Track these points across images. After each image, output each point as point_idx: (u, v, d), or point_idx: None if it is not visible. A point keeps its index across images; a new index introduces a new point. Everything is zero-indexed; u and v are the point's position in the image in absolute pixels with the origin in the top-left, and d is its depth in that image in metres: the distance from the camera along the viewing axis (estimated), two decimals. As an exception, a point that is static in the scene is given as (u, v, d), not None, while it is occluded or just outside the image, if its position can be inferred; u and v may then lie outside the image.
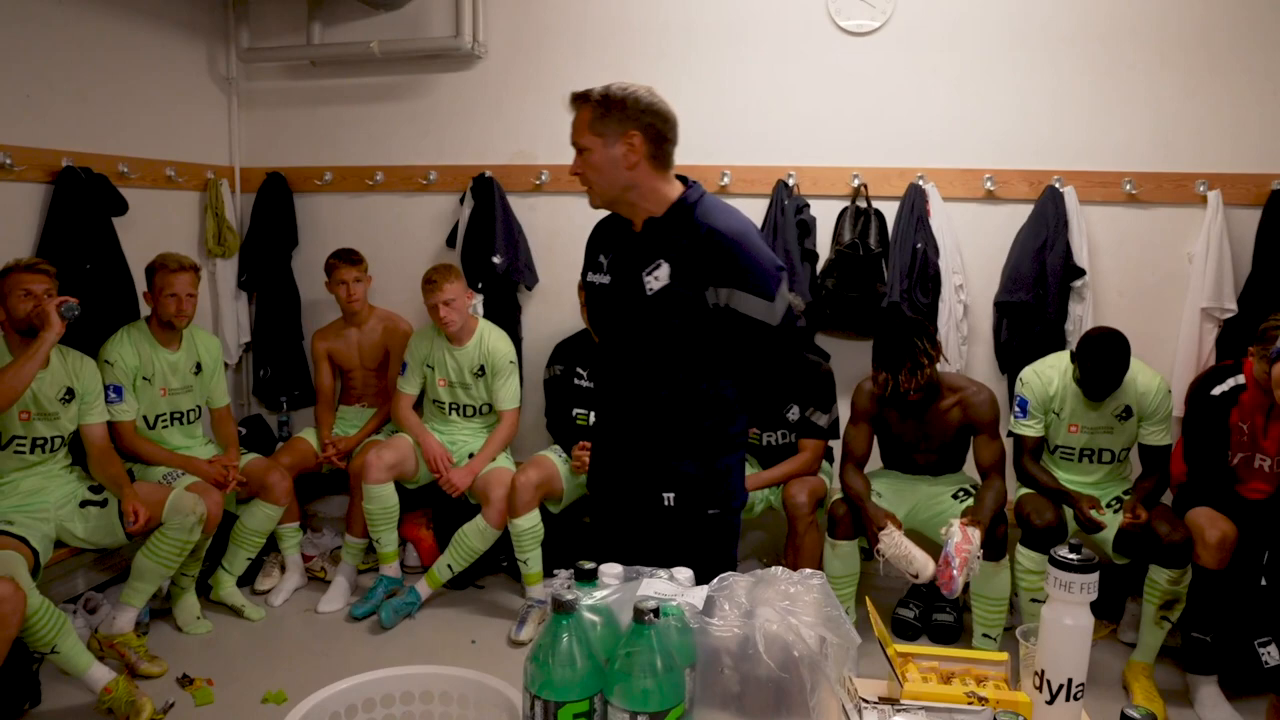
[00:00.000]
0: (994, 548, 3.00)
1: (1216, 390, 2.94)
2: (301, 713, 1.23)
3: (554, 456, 3.56)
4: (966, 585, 2.89)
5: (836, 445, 3.43)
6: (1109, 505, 3.09)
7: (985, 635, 3.10)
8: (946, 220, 3.56)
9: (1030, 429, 3.15)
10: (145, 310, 3.38)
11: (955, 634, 3.34)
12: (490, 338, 3.66)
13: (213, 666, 3.05)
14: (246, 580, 3.64)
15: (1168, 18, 3.40)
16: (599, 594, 1.17)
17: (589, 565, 1.24)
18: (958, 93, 3.59)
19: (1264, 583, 2.79)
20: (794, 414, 3.40)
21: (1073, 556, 1.34)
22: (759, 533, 3.95)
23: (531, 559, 3.43)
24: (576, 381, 3.64)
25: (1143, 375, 3.05)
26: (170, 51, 3.98)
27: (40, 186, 3.33)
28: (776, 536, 3.83)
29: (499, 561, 3.77)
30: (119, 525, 2.97)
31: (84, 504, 2.98)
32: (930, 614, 3.41)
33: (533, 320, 4.07)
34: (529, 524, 3.40)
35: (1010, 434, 3.21)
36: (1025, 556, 3.03)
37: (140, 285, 3.39)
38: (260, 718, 2.80)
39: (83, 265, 3.31)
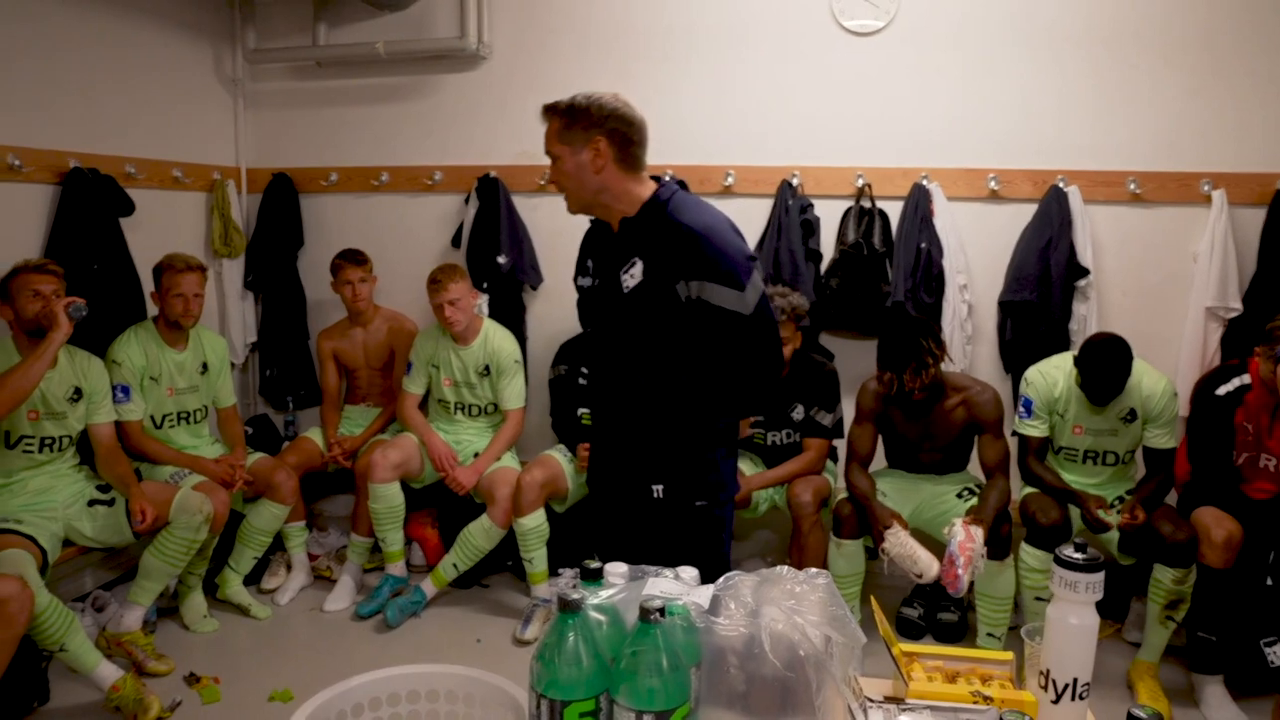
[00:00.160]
0: (999, 547, 3.00)
1: (1222, 390, 2.94)
2: (308, 711, 1.24)
3: (559, 456, 3.57)
4: (971, 584, 2.89)
5: (841, 445, 3.43)
6: (1112, 505, 3.08)
7: (990, 634, 3.10)
8: (951, 220, 3.56)
9: (1034, 429, 3.15)
10: (152, 310, 3.39)
11: (960, 633, 3.34)
12: (495, 337, 3.67)
13: (219, 665, 3.06)
14: (253, 579, 3.65)
15: (1172, 17, 3.40)
16: (605, 593, 1.18)
17: (595, 564, 1.24)
18: (962, 92, 3.59)
19: (1270, 582, 2.79)
20: (798, 413, 3.41)
21: (1078, 556, 1.35)
22: (763, 532, 3.96)
23: (536, 558, 3.44)
24: (581, 381, 3.65)
25: (1148, 378, 3.04)
26: (177, 53, 3.99)
27: (48, 188, 3.34)
28: (781, 536, 3.84)
29: (504, 561, 3.77)
30: (126, 524, 2.98)
31: (92, 503, 2.99)
32: (934, 613, 3.41)
33: (537, 320, 4.08)
34: (534, 523, 3.41)
35: (1014, 434, 3.21)
36: (1030, 555, 3.03)
37: (147, 285, 3.40)
38: (266, 716, 2.81)
39: (90, 266, 3.32)
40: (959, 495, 3.19)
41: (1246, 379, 2.93)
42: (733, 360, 1.94)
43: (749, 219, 3.71)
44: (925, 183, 3.57)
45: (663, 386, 1.98)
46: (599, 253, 2.09)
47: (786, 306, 3.20)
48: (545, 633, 1.10)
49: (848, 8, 3.63)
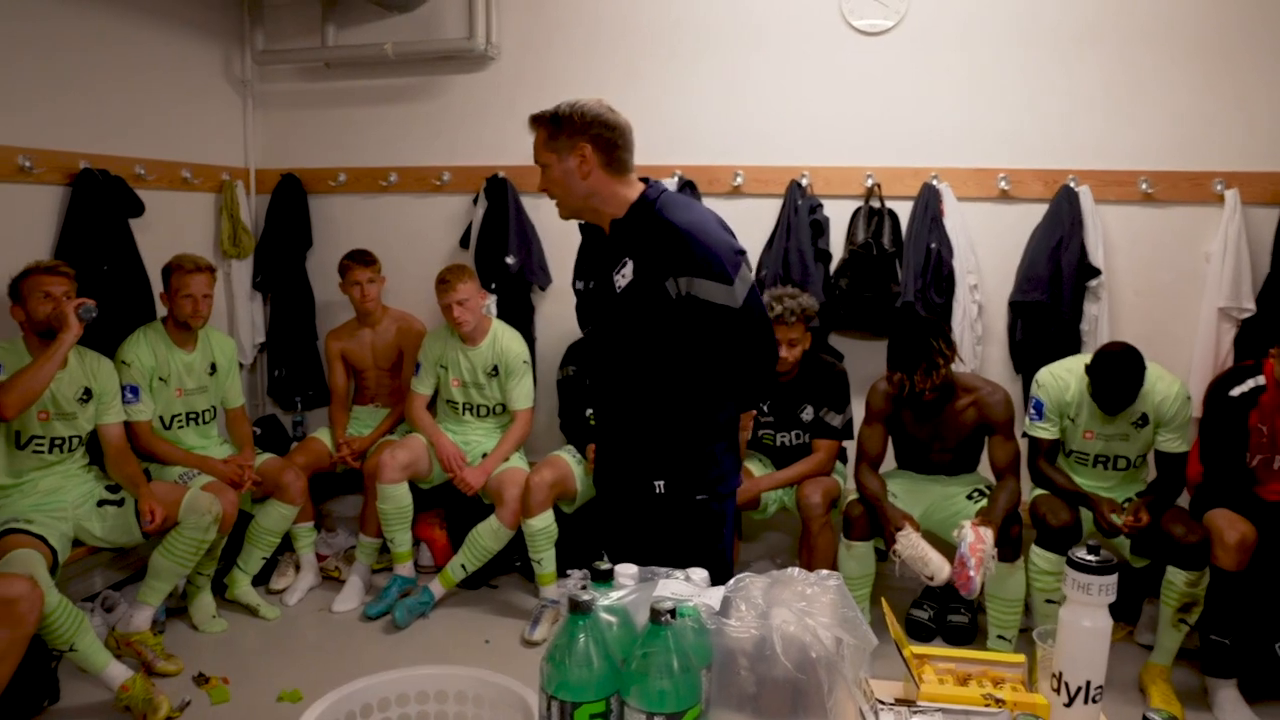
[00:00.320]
0: (1009, 548, 2.99)
1: (1235, 391, 2.91)
2: (318, 711, 1.24)
3: (567, 457, 3.56)
4: (981, 586, 2.88)
5: (850, 446, 3.42)
6: (1122, 505, 3.05)
7: (1000, 637, 3.08)
8: (961, 220, 3.55)
9: (1045, 431, 3.13)
10: (162, 311, 3.40)
11: (970, 635, 3.32)
12: (504, 338, 3.67)
13: (228, 665, 3.06)
14: (261, 579, 3.65)
15: (1184, 15, 3.38)
16: (615, 594, 1.17)
17: (605, 566, 1.24)
18: (971, 92, 3.58)
19: (1283, 585, 2.77)
20: (808, 414, 3.40)
21: (1091, 558, 1.34)
22: (772, 533, 3.95)
23: (545, 559, 3.44)
24: (589, 382, 3.65)
25: (1161, 382, 3.00)
26: (186, 54, 4.01)
27: (59, 189, 3.36)
28: (790, 537, 3.83)
29: (512, 561, 3.77)
30: (136, 524, 2.99)
31: (101, 503, 3.00)
32: (945, 615, 3.40)
33: (546, 320, 4.08)
34: (543, 524, 3.40)
35: (1025, 435, 3.19)
36: (1040, 557, 3.01)
37: (157, 286, 3.41)
38: (275, 716, 2.81)
39: (100, 267, 3.33)
40: (969, 496, 3.17)
41: (1261, 380, 2.90)
42: (726, 354, 1.98)
43: (758, 219, 3.71)
44: (935, 182, 3.56)
45: (660, 383, 2.02)
46: (592, 256, 2.16)
47: (796, 308, 3.19)
48: (556, 634, 1.09)
49: (857, 7, 3.62)
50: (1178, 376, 3.07)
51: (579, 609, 1.07)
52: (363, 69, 4.20)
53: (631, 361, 2.05)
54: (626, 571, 1.28)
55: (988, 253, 3.60)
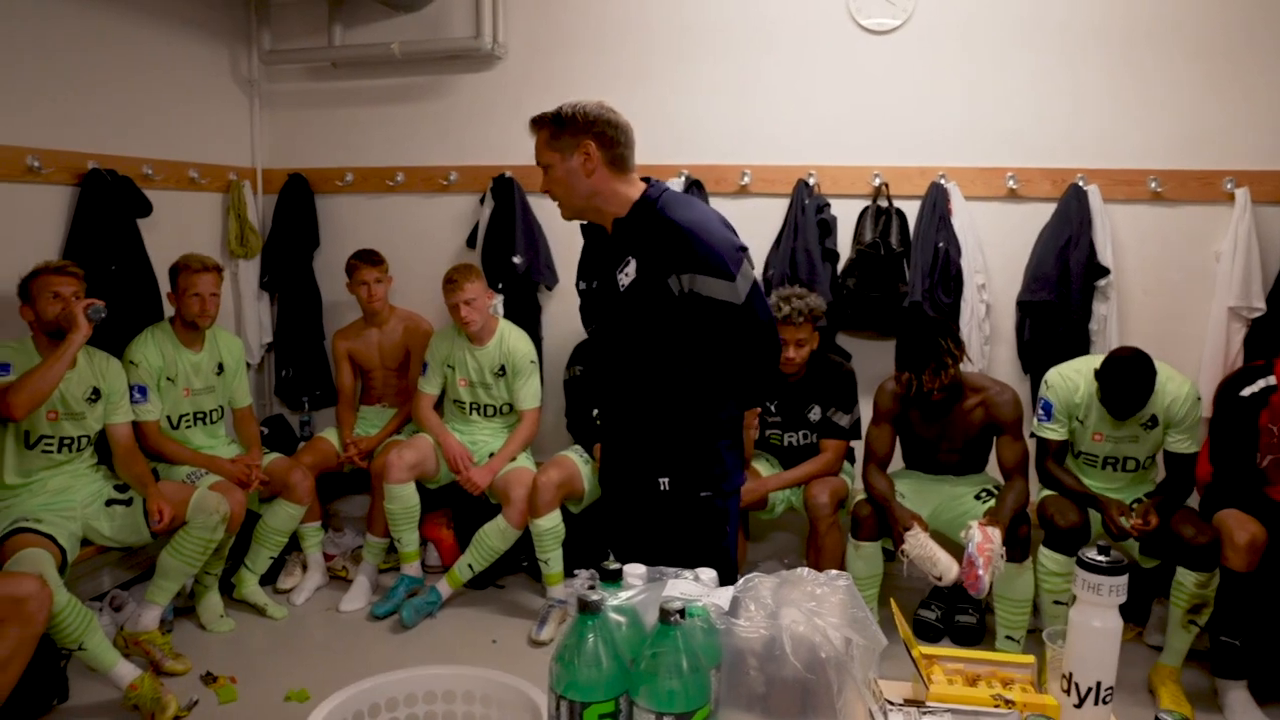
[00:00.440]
0: (1017, 548, 2.98)
1: (1246, 391, 2.90)
2: (326, 710, 1.24)
3: (575, 457, 3.56)
4: (990, 586, 2.87)
5: (858, 446, 3.41)
6: (1130, 506, 3.04)
7: (1008, 637, 3.07)
8: (968, 219, 3.53)
9: (1053, 432, 3.11)
10: (169, 311, 3.41)
11: (978, 636, 3.31)
12: (511, 337, 3.67)
13: (236, 664, 3.07)
14: (269, 579, 3.66)
15: (1194, 12, 3.36)
16: (624, 594, 1.17)
17: (614, 566, 1.23)
18: (979, 91, 3.57)
19: (1294, 586, 2.75)
20: (815, 414, 3.39)
21: (1101, 558, 1.33)
22: (780, 533, 3.94)
23: (552, 559, 3.44)
24: (594, 380, 3.64)
25: (1171, 383, 2.98)
26: (193, 54, 4.02)
27: (67, 189, 3.37)
28: (798, 537, 3.82)
29: (520, 561, 3.77)
30: (144, 524, 3.00)
31: (110, 503, 3.01)
32: (952, 615, 3.39)
33: (553, 320, 4.08)
34: (550, 524, 3.40)
35: (1033, 435, 3.18)
36: (1048, 558, 3.00)
37: (164, 286, 3.42)
38: (283, 716, 2.81)
39: (108, 266, 3.34)
40: (977, 497, 3.16)
41: (1272, 380, 2.88)
42: (729, 350, 1.99)
43: (765, 218, 3.71)
44: (943, 182, 3.55)
45: (664, 380, 2.03)
46: (595, 255, 2.17)
47: (803, 308, 3.18)
48: (565, 634, 1.09)
49: (864, 6, 3.61)
50: (1187, 377, 3.05)
51: (588, 609, 1.07)
52: (369, 69, 4.21)
53: (635, 359, 2.06)
54: (635, 571, 1.27)
55: (995, 252, 3.59)
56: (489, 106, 4.09)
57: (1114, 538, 2.95)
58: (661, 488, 2.05)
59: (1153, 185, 3.42)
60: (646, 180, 2.05)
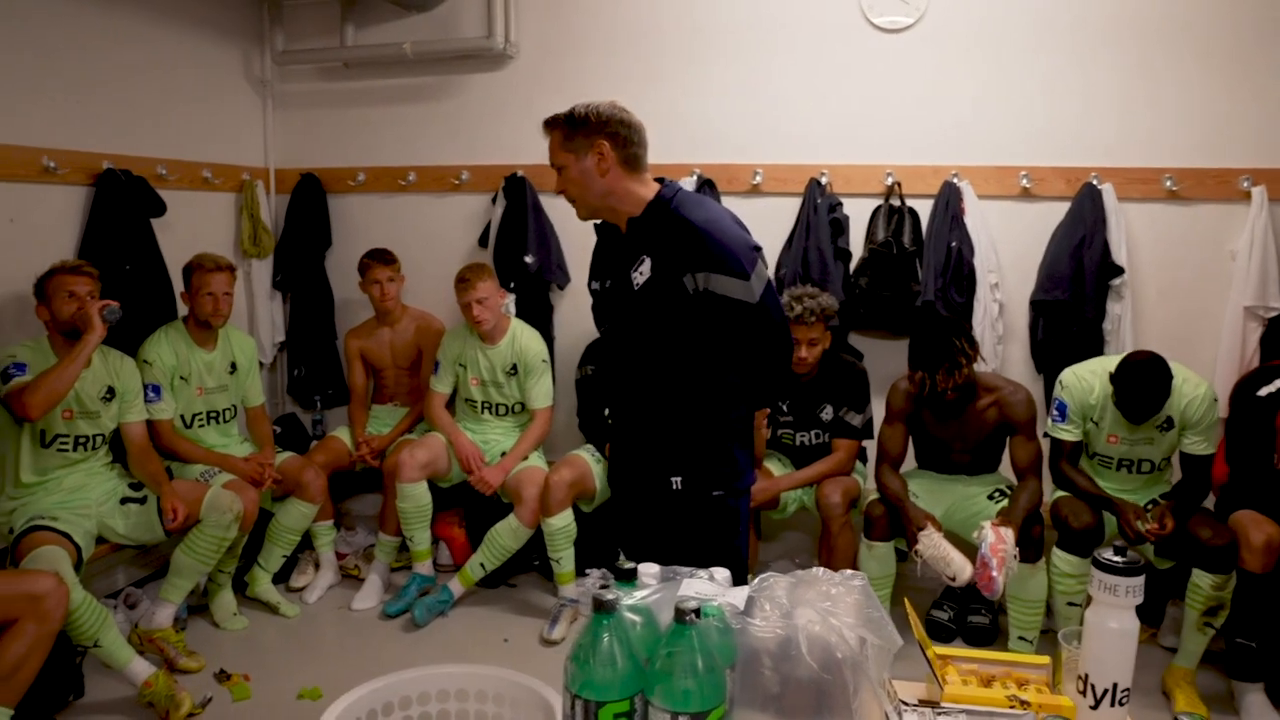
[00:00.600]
0: (1031, 549, 2.96)
1: (1263, 391, 2.87)
2: (340, 709, 1.24)
3: (586, 456, 3.56)
4: (1004, 586, 2.85)
5: (870, 445, 3.40)
6: (1146, 508, 3.02)
7: (1021, 638, 3.06)
8: (981, 218, 3.52)
9: (1068, 433, 3.09)
10: (183, 310, 3.42)
11: (991, 636, 3.30)
12: (523, 336, 3.67)
13: (249, 662, 3.08)
14: (281, 577, 3.67)
15: (1210, 9, 3.33)
16: (639, 594, 1.17)
17: (629, 565, 1.23)
18: (993, 89, 3.55)
19: (1312, 587, 2.73)
20: (827, 414, 3.38)
21: (1118, 559, 1.33)
22: (792, 533, 3.93)
23: (564, 558, 3.44)
24: (605, 379, 3.64)
25: (1187, 384, 2.94)
26: (207, 55, 4.03)
27: (82, 189, 3.39)
28: (810, 537, 3.81)
29: (531, 560, 3.77)
30: (158, 522, 3.01)
31: (124, 501, 3.02)
32: (965, 616, 3.38)
33: (565, 320, 4.08)
34: (562, 523, 3.41)
35: (1047, 436, 3.16)
36: (1062, 560, 2.98)
37: (178, 285, 3.43)
38: (295, 713, 2.82)
39: (123, 266, 3.36)
40: (990, 497, 3.15)
41: (1288, 380, 2.87)
42: (743, 349, 2.00)
43: (777, 218, 3.70)
44: (955, 180, 3.53)
45: (677, 379, 2.04)
46: (609, 254, 2.20)
47: (815, 307, 3.18)
48: (580, 633, 1.09)
49: (877, 4, 3.60)
50: (1204, 378, 3.02)
51: (603, 608, 1.07)
52: (382, 69, 4.21)
53: (649, 358, 2.07)
54: (649, 571, 1.27)
55: (1009, 251, 3.57)
56: (500, 106, 4.09)
57: (1130, 542, 2.93)
58: (674, 487, 2.06)
59: (1168, 184, 3.40)
60: (660, 180, 2.06)
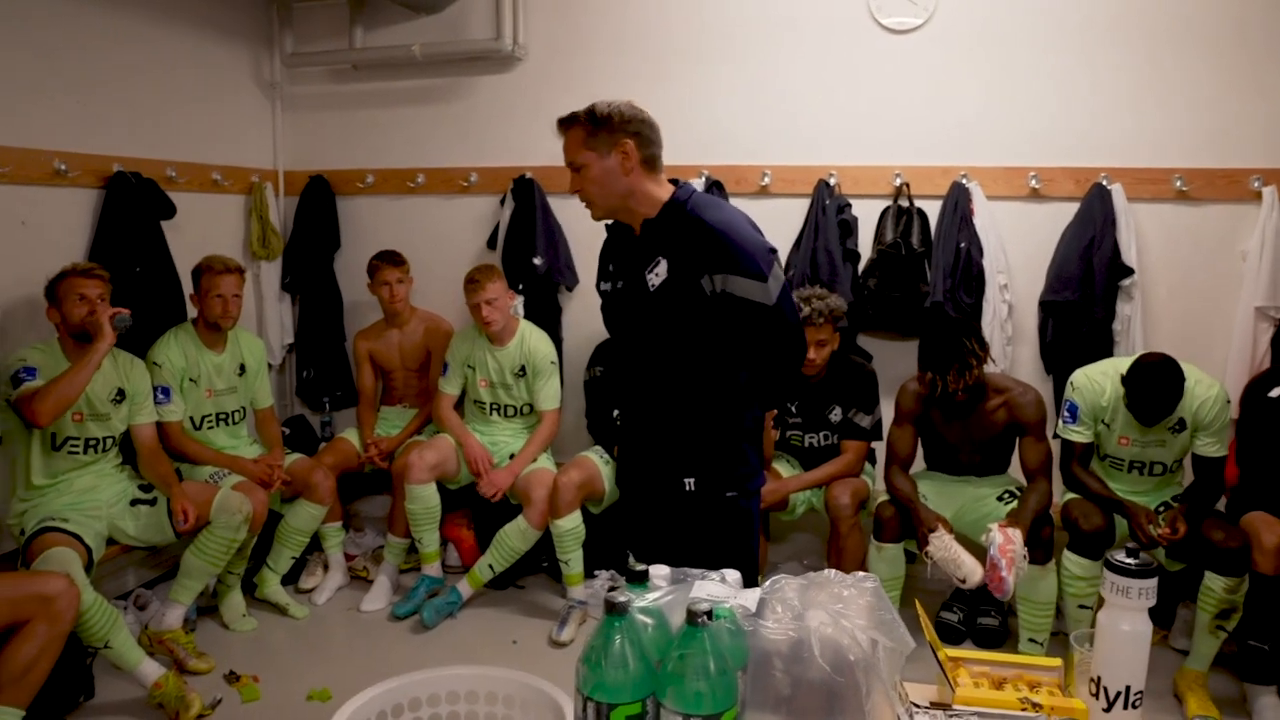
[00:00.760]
0: (1041, 550, 2.95)
1: (1274, 393, 2.85)
2: (350, 710, 1.24)
3: (595, 457, 3.56)
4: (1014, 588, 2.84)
5: (879, 447, 3.39)
6: (1157, 510, 3.00)
7: (1031, 640, 3.05)
8: (990, 219, 3.51)
9: (1079, 435, 3.07)
10: (192, 312, 3.43)
11: (1001, 638, 3.29)
12: (531, 338, 3.67)
13: (258, 663, 3.09)
14: (291, 579, 3.68)
15: (1220, 9, 3.32)
16: (651, 596, 1.17)
17: (640, 567, 1.23)
18: (1001, 89, 3.54)
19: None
20: (836, 415, 3.38)
21: (1130, 561, 1.32)
22: (801, 535, 3.93)
23: (573, 560, 3.44)
24: (615, 381, 3.64)
25: (1200, 386, 2.92)
26: (216, 57, 4.05)
27: (92, 192, 3.40)
28: (819, 538, 3.80)
29: (540, 562, 3.77)
30: (168, 524, 3.02)
31: (134, 502, 3.04)
32: (975, 618, 3.37)
33: (573, 321, 4.08)
34: (570, 525, 3.40)
35: (1057, 437, 3.15)
36: (1072, 562, 2.97)
37: (187, 288, 3.45)
38: (305, 714, 2.83)
39: (133, 268, 3.37)
40: (1000, 498, 3.14)
41: (1300, 381, 2.85)
42: (758, 350, 2.00)
43: (786, 219, 3.69)
44: (964, 181, 3.52)
45: (691, 381, 2.03)
46: (621, 256, 2.17)
47: (824, 308, 3.17)
48: (591, 635, 1.09)
49: (885, 4, 3.59)
50: (1215, 379, 3.00)
51: (615, 610, 1.07)
52: (390, 70, 4.22)
53: (663, 360, 2.06)
54: (661, 573, 1.27)
55: (1018, 252, 3.56)
56: (509, 108, 4.10)
57: (1142, 546, 2.91)
58: (687, 488, 2.05)
59: (1178, 184, 3.39)
60: (674, 181, 2.06)
